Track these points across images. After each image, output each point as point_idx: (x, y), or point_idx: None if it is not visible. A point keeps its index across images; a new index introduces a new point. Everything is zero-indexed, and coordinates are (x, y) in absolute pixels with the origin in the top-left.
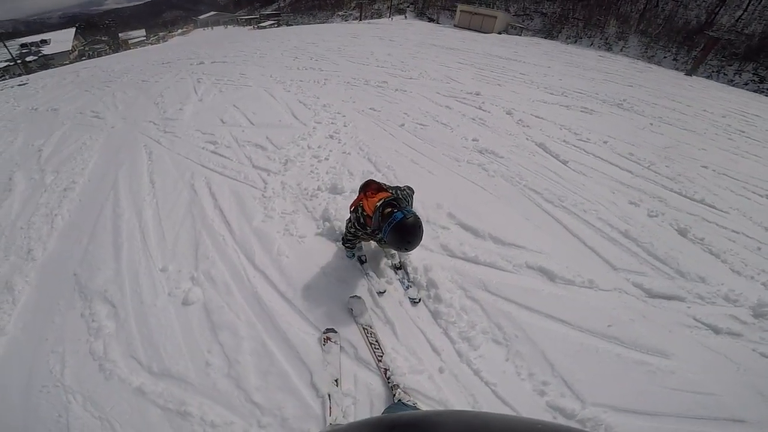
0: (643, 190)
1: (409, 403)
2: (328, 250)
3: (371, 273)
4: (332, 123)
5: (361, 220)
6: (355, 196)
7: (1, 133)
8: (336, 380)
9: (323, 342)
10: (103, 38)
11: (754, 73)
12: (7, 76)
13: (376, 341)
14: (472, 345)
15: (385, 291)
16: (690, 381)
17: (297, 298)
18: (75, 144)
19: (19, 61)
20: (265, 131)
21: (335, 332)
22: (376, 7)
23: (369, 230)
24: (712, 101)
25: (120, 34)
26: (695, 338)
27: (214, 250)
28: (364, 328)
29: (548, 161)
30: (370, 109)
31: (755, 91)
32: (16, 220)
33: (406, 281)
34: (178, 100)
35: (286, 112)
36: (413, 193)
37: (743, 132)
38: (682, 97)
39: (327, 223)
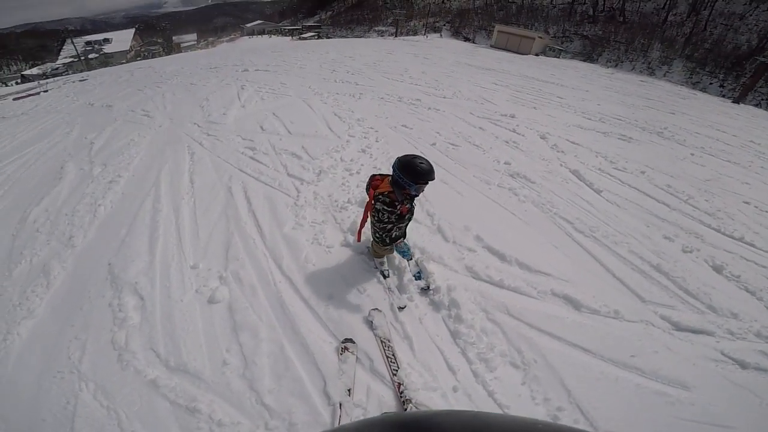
0: (679, 225)
1: None
2: (353, 262)
3: (393, 288)
4: (365, 137)
5: (387, 200)
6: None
7: (59, 124)
8: (349, 390)
9: (341, 351)
10: (158, 40)
11: None
12: (70, 72)
13: (393, 355)
14: (489, 367)
15: (405, 306)
16: (710, 413)
17: (320, 305)
18: (124, 140)
19: (82, 58)
20: (301, 141)
21: (353, 343)
22: (411, 24)
23: (398, 205)
24: (760, 131)
25: (174, 37)
26: (720, 372)
27: (244, 252)
28: (381, 341)
29: (581, 189)
30: (403, 126)
31: None
32: (62, 207)
33: (419, 274)
34: (222, 104)
35: (322, 124)
36: None
37: None
38: (727, 127)
39: (353, 237)
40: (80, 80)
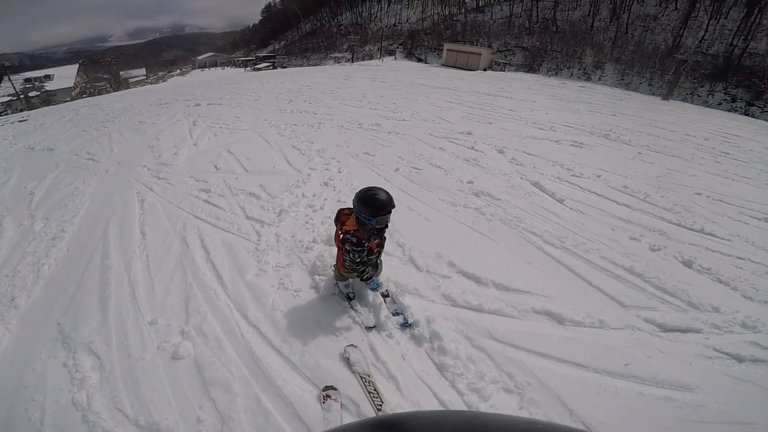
0: (642, 225)
1: None
2: (325, 304)
3: (359, 308)
4: (327, 169)
5: (354, 240)
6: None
7: None
8: None
9: (323, 399)
10: (105, 76)
11: (725, 93)
12: (9, 111)
13: (375, 390)
14: (482, 396)
15: (374, 326)
16: (720, 412)
17: (293, 353)
18: (67, 188)
19: (22, 96)
20: (259, 178)
21: (335, 389)
22: (366, 48)
23: (364, 241)
24: (692, 125)
25: (121, 73)
26: (718, 368)
27: (205, 304)
28: (361, 377)
29: (544, 201)
30: (365, 153)
31: (729, 110)
32: (1, 267)
33: (395, 310)
34: (173, 143)
35: (280, 158)
36: None
37: (728, 154)
38: (664, 123)
39: (322, 277)
40: (20, 121)
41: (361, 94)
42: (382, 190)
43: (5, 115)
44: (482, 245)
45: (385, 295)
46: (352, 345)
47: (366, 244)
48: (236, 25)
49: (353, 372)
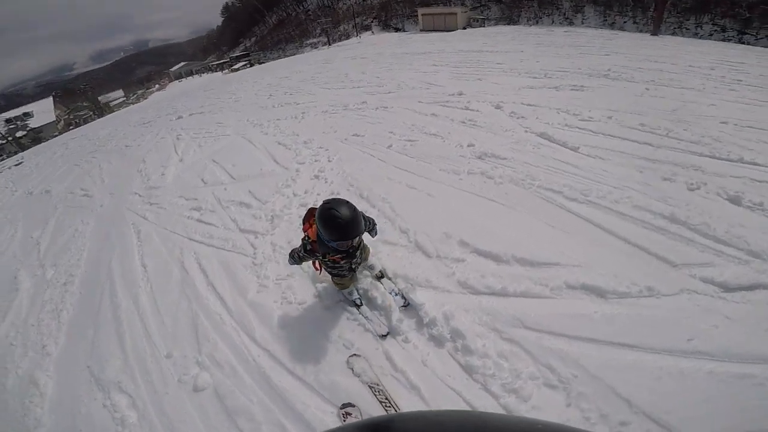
0: (672, 162)
1: None
2: (331, 314)
3: (369, 315)
4: (316, 160)
5: (308, 246)
6: None
7: (2, 225)
8: None
9: (343, 418)
10: (84, 104)
11: (713, 24)
12: (4, 155)
13: (386, 398)
14: (521, 396)
15: (388, 333)
16: None
17: (307, 374)
18: (69, 231)
19: (10, 138)
20: (247, 185)
21: (353, 406)
22: (341, 29)
23: (318, 255)
24: (691, 56)
25: (99, 98)
26: None
27: (213, 331)
28: (370, 387)
29: (556, 152)
30: (354, 135)
31: (722, 40)
32: (27, 318)
33: (393, 291)
34: (159, 163)
35: (267, 158)
36: (372, 220)
37: (741, 81)
38: (662, 57)
39: (324, 284)
40: (15, 165)
41: (343, 75)
42: (348, 206)
43: (1, 159)
44: (495, 214)
45: (379, 277)
46: (354, 355)
47: (327, 257)
48: (200, 31)
49: (363, 383)
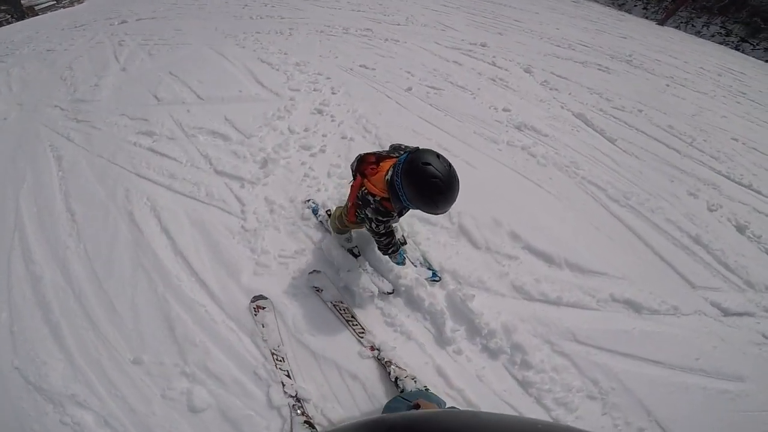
0: (696, 176)
1: (414, 389)
2: (365, 307)
3: (368, 268)
4: (315, 89)
5: (381, 208)
6: None
7: None
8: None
9: (254, 312)
10: (2, 6)
11: (721, 26)
12: None
13: (352, 317)
14: (568, 409)
15: (393, 291)
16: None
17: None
18: None
19: None
20: (221, 108)
21: (265, 298)
22: None
23: (395, 214)
24: (699, 57)
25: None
26: (763, 356)
27: (199, 329)
28: (334, 305)
29: (595, 139)
30: (361, 66)
31: (721, 43)
32: None
33: (419, 261)
34: (93, 71)
35: (247, 77)
36: None
37: (744, 94)
38: (673, 52)
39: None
40: None
41: None
42: (447, 163)
43: None
44: (543, 203)
45: (402, 243)
46: (315, 271)
47: (395, 215)
48: None
49: (324, 302)
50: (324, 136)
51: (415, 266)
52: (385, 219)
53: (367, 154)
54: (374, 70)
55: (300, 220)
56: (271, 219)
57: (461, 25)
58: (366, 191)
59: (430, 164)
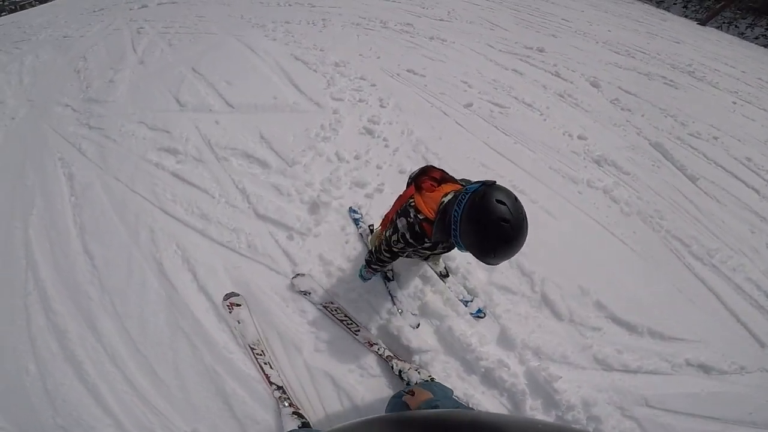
0: None
1: (419, 381)
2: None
3: (398, 296)
4: (361, 100)
5: (417, 227)
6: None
7: None
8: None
9: (228, 309)
10: None
11: (766, 29)
12: None
13: (345, 316)
14: None
15: (419, 325)
16: None
17: None
18: None
19: None
20: (254, 120)
21: (237, 295)
22: None
23: (426, 244)
24: (753, 64)
25: None
26: None
27: (260, 408)
28: (324, 306)
29: (676, 178)
30: (408, 71)
31: (764, 46)
32: None
33: (462, 295)
34: (108, 63)
35: (281, 79)
36: None
37: None
38: (726, 59)
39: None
40: None
41: None
42: (520, 206)
43: None
44: (628, 264)
45: (444, 275)
46: (299, 274)
47: (426, 243)
48: None
49: (314, 305)
50: (378, 168)
51: (462, 302)
52: (410, 241)
53: (433, 167)
54: (424, 77)
55: (361, 287)
56: (328, 283)
57: (509, 24)
58: (413, 203)
59: (505, 204)
